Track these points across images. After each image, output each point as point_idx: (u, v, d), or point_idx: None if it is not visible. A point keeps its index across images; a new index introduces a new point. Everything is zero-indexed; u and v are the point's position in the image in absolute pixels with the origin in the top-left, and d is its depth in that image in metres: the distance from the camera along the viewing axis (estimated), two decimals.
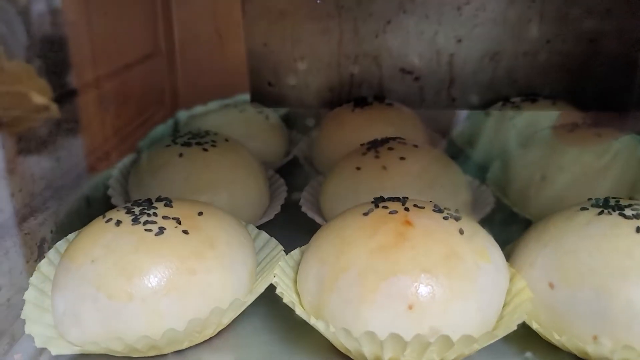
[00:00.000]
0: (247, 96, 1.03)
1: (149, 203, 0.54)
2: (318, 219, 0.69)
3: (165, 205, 0.54)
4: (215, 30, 1.01)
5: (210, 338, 0.54)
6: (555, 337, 0.48)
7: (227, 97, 1.02)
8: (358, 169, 0.69)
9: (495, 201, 0.72)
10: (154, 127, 0.95)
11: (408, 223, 0.50)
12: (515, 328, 0.47)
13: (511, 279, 0.53)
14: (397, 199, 0.54)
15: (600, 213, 0.52)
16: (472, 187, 0.76)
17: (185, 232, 0.51)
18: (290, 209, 0.74)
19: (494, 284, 0.49)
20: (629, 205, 0.52)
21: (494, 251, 0.51)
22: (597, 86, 1.00)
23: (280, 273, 0.54)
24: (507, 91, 1.01)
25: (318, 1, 0.97)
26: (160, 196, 0.56)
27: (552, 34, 0.99)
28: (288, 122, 1.02)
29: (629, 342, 0.46)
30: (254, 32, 1.01)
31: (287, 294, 0.51)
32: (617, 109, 1.00)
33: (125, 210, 0.53)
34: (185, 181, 0.69)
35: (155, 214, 0.52)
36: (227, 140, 0.75)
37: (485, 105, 0.99)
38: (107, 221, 0.52)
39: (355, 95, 1.02)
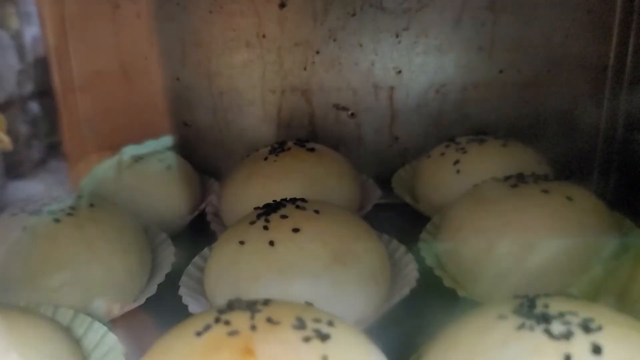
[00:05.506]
0: None
1: None
2: (193, 307, 0.55)
3: None
4: (120, 66, 0.88)
5: None
6: None
7: (139, 140, 0.87)
8: (241, 243, 0.55)
9: (418, 278, 0.58)
10: None
11: (248, 352, 0.36)
12: None
13: None
14: (251, 305, 0.40)
15: (522, 326, 0.38)
16: (397, 258, 0.62)
17: None
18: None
19: None
20: (560, 315, 0.38)
21: None
22: (559, 122, 0.87)
23: None
24: (456, 128, 0.88)
25: None
26: None
27: (505, 63, 0.85)
28: (207, 169, 0.88)
29: None
30: (164, 66, 0.88)
31: None
32: (584, 148, 0.87)
33: None
34: (26, 261, 0.55)
35: None
36: (92, 205, 0.61)
37: (434, 144, 0.85)
38: None
39: (282, 136, 0.89)
